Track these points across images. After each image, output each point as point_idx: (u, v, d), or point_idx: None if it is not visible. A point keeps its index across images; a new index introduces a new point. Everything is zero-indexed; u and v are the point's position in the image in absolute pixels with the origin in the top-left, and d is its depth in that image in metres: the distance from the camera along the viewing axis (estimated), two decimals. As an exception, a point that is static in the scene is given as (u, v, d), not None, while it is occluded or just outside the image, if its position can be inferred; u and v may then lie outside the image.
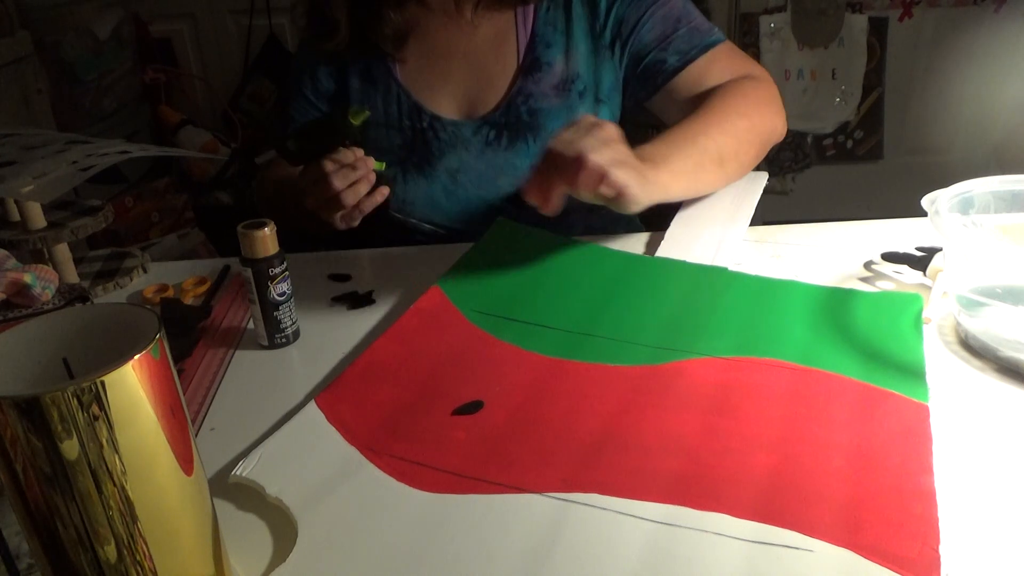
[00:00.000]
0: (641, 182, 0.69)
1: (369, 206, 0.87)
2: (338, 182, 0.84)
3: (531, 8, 0.96)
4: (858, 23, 2.39)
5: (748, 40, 2.42)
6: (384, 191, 0.87)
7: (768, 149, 0.91)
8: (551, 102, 0.96)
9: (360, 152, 0.86)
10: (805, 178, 2.59)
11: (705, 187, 0.87)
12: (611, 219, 1.07)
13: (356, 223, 0.89)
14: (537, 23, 0.96)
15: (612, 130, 0.72)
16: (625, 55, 0.96)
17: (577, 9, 0.95)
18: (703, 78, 0.92)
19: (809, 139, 2.54)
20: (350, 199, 0.85)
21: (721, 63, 0.93)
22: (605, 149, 0.68)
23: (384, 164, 0.88)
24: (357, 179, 0.85)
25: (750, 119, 0.86)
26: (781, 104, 0.92)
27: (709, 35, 0.93)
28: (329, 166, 0.84)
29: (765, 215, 0.90)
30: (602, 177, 0.67)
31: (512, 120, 0.96)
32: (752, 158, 0.89)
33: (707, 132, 0.82)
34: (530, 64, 0.95)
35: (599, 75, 0.96)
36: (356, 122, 0.83)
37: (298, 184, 0.89)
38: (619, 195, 0.68)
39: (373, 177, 0.86)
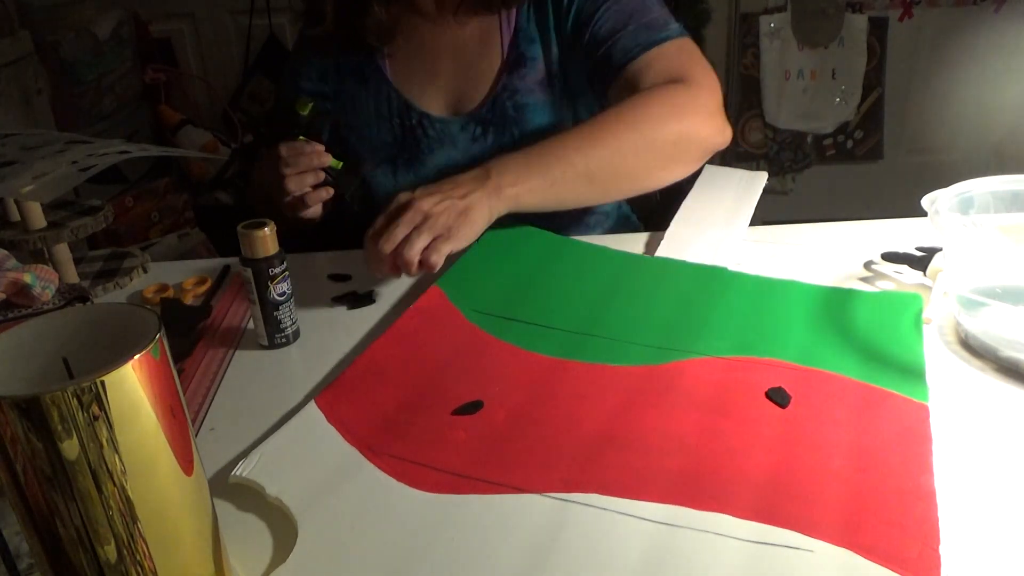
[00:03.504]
0: (458, 234, 0.75)
1: (314, 200, 0.90)
2: (286, 168, 0.88)
3: None
4: (858, 23, 2.39)
5: (748, 40, 2.42)
6: (328, 190, 0.90)
7: (691, 157, 0.87)
8: (536, 97, 0.96)
9: (318, 146, 0.89)
10: (805, 178, 2.59)
11: (573, 201, 0.84)
12: (607, 218, 1.08)
13: (304, 214, 0.91)
14: (520, 18, 0.96)
15: (422, 204, 0.75)
16: (584, 48, 0.94)
17: (550, 2, 0.95)
18: (639, 77, 0.88)
19: (809, 139, 2.54)
20: (293, 186, 0.88)
21: (661, 63, 0.89)
22: (416, 236, 0.74)
23: (341, 164, 0.91)
24: (305, 169, 0.88)
25: (642, 131, 0.82)
26: (713, 110, 0.87)
27: (659, 32, 0.90)
28: (284, 151, 0.88)
29: (765, 215, 0.90)
30: (422, 263, 0.74)
31: (498, 116, 0.96)
32: (651, 169, 0.85)
33: (579, 147, 0.81)
34: (514, 60, 0.96)
35: (570, 68, 0.96)
36: (303, 112, 0.87)
37: (259, 167, 0.93)
38: (441, 257, 0.74)
39: (322, 174, 0.89)
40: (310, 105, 0.87)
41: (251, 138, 0.92)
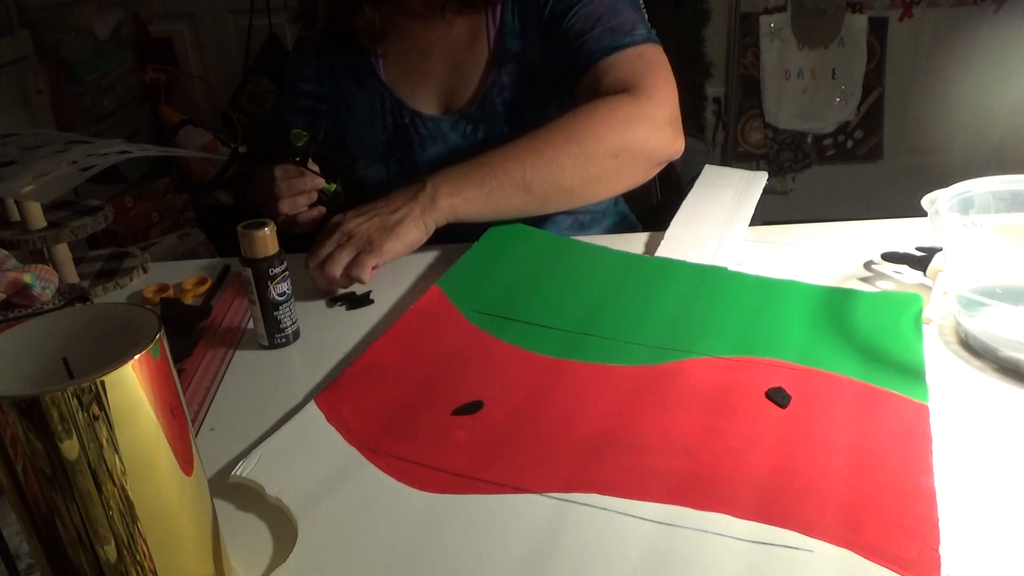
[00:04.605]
0: (382, 247, 0.79)
1: (306, 219, 0.91)
2: (281, 189, 0.89)
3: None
4: (858, 23, 2.39)
5: (748, 40, 2.42)
6: (320, 210, 0.91)
7: (638, 168, 0.88)
8: (524, 92, 0.96)
9: (313, 177, 0.90)
10: (805, 178, 2.59)
11: (510, 211, 0.85)
12: (604, 216, 1.08)
13: (296, 231, 0.92)
14: (504, 15, 0.96)
15: (347, 225, 0.81)
16: (559, 46, 0.94)
17: None
18: (596, 83, 0.89)
19: (809, 139, 2.54)
20: (287, 208, 0.89)
21: (618, 70, 0.89)
22: (339, 252, 0.78)
23: (335, 186, 0.91)
24: (300, 191, 0.89)
25: (581, 143, 0.83)
26: (662, 121, 0.87)
27: (622, 38, 0.90)
28: (279, 172, 0.89)
29: (765, 215, 0.90)
30: (350, 277, 0.78)
31: (487, 113, 0.97)
32: (595, 180, 0.86)
33: (518, 158, 0.83)
34: (501, 56, 0.96)
35: (553, 62, 0.96)
36: (298, 143, 0.88)
37: (254, 180, 0.94)
38: (364, 270, 0.78)
39: (315, 195, 0.90)
40: (305, 138, 0.88)
41: (245, 148, 0.92)
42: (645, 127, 0.86)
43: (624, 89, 0.87)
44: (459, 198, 0.82)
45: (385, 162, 1.01)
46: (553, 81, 0.96)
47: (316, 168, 0.91)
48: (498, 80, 0.96)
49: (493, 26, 0.97)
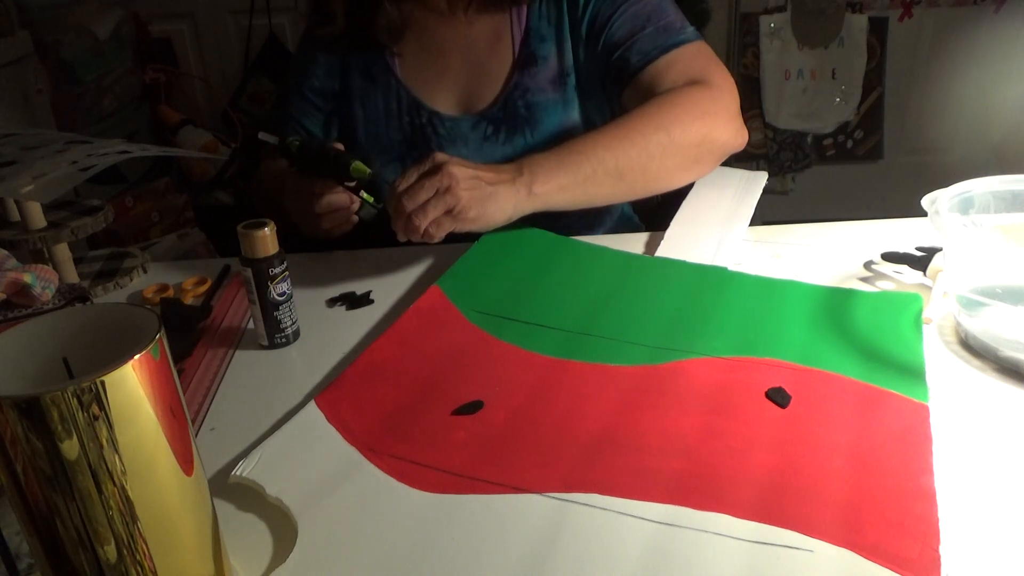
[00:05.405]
0: (468, 217, 0.76)
1: (339, 232, 0.89)
2: (321, 205, 0.86)
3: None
4: (858, 23, 2.39)
5: (748, 40, 2.42)
6: (353, 220, 0.89)
7: (711, 159, 0.89)
8: (547, 96, 0.96)
9: (355, 199, 0.87)
10: (805, 178, 2.59)
11: (601, 199, 0.85)
12: (610, 217, 1.08)
13: (312, 236, 0.90)
14: (531, 17, 0.96)
15: (453, 170, 0.76)
16: (599, 51, 0.95)
17: (566, 2, 0.96)
18: (658, 80, 0.90)
19: (809, 139, 2.54)
20: (327, 224, 0.87)
21: (680, 65, 0.90)
22: (432, 205, 0.75)
23: (372, 198, 0.88)
24: (339, 207, 0.87)
25: (670, 132, 0.84)
26: (733, 113, 0.89)
27: (676, 35, 0.91)
28: (317, 189, 0.85)
29: (765, 215, 0.90)
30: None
31: (509, 115, 0.96)
32: (674, 169, 0.87)
33: (609, 145, 0.82)
34: (525, 58, 0.96)
35: (584, 68, 0.96)
36: (359, 175, 0.85)
37: (286, 183, 0.91)
38: (441, 233, 0.76)
39: (356, 205, 0.88)
40: (366, 174, 0.83)
41: (274, 138, 0.86)
42: (722, 118, 0.87)
43: (692, 83, 0.88)
44: (553, 185, 0.81)
45: (401, 161, 1.00)
46: (580, 85, 0.96)
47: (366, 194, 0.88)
48: (521, 82, 0.96)
49: (519, 29, 0.96)
